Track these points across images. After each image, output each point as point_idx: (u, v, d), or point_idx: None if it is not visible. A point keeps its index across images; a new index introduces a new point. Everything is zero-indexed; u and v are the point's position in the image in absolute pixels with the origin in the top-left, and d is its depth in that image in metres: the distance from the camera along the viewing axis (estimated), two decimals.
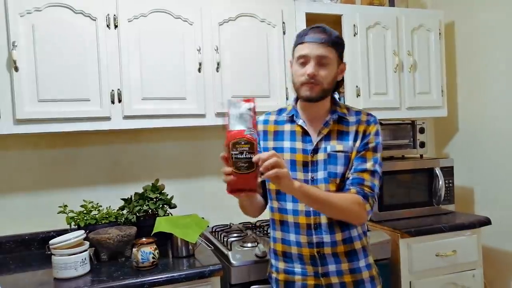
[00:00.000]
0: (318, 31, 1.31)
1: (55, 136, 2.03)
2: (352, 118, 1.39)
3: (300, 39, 1.33)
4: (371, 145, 1.35)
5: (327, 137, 1.37)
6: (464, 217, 2.27)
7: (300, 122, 1.39)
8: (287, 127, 1.42)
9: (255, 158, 1.09)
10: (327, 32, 1.30)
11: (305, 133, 1.39)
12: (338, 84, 1.44)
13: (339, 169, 1.34)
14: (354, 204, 1.28)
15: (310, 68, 1.28)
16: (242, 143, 1.09)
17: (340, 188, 1.34)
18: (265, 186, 1.47)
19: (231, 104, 1.13)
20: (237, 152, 1.09)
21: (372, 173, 1.33)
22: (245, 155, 1.09)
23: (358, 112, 1.42)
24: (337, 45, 1.32)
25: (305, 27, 2.12)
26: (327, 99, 1.38)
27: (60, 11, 1.74)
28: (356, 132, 1.37)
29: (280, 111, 1.48)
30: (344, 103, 2.31)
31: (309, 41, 1.29)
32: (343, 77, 1.42)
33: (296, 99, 1.44)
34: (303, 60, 1.30)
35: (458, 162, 2.58)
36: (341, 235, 1.35)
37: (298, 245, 1.37)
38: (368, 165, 1.33)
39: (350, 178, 1.33)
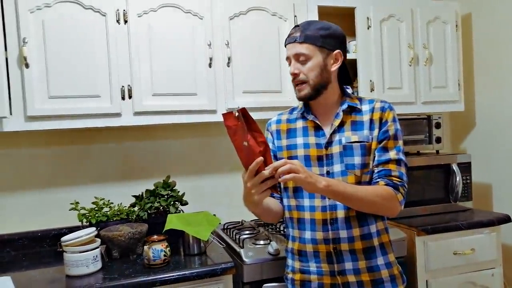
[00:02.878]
0: (293, 31, 1.34)
1: (66, 132, 2.03)
2: (365, 107, 1.37)
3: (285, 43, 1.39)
4: (390, 133, 1.33)
5: (340, 129, 1.35)
6: (483, 214, 2.21)
7: (311, 117, 1.38)
8: (299, 124, 1.42)
9: (269, 169, 1.12)
10: (300, 29, 1.32)
11: (317, 128, 1.38)
12: (344, 75, 1.41)
13: (357, 160, 1.31)
14: (384, 196, 1.27)
15: (291, 68, 1.34)
16: None
17: (361, 180, 1.32)
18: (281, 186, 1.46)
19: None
20: None
21: (398, 161, 1.31)
22: None
23: (371, 101, 1.39)
24: (313, 38, 1.30)
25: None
26: (332, 92, 1.37)
27: (70, 6, 1.73)
28: (371, 121, 1.34)
29: (293, 110, 1.49)
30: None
31: (287, 43, 1.35)
32: (345, 66, 1.38)
33: None
34: (288, 62, 1.36)
35: (476, 157, 2.51)
36: (358, 230, 1.32)
37: (313, 242, 1.34)
38: (392, 154, 1.31)
39: (376, 171, 1.31)
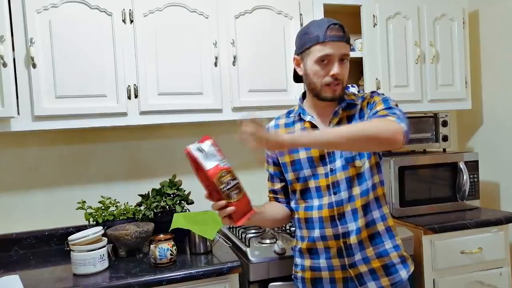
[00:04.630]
0: (338, 29, 1.28)
1: (73, 132, 2.04)
2: (359, 101, 1.39)
3: (319, 38, 1.27)
4: (377, 100, 1.31)
5: (338, 126, 1.34)
6: (490, 213, 2.19)
7: (308, 118, 1.38)
8: (298, 126, 1.42)
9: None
10: (343, 29, 1.30)
11: (315, 128, 1.38)
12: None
13: (354, 152, 1.33)
14: (382, 121, 1.18)
15: (336, 68, 1.27)
16: (224, 175, 1.17)
17: (362, 171, 1.33)
18: (287, 190, 1.46)
19: (193, 149, 1.17)
20: (224, 185, 1.17)
21: (389, 109, 1.25)
22: (231, 183, 1.18)
23: (363, 96, 1.41)
24: (349, 41, 1.34)
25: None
26: None
27: (76, 6, 1.74)
28: (361, 109, 1.36)
29: (289, 113, 1.48)
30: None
31: (332, 40, 1.26)
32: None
33: (302, 98, 1.44)
34: (326, 60, 1.28)
35: (483, 156, 2.49)
36: (364, 220, 1.32)
37: (324, 239, 1.34)
38: (379, 107, 1.27)
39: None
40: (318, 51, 1.28)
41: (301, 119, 1.41)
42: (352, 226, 1.32)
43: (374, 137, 1.14)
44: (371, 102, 1.34)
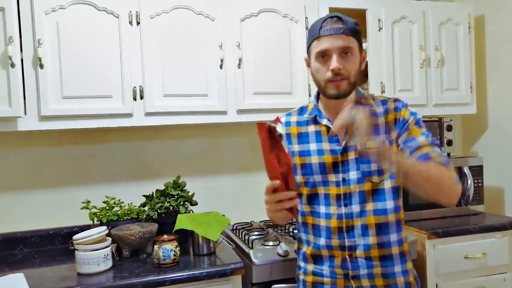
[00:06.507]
0: (334, 21, 1.20)
1: (78, 132, 2.06)
2: (379, 109, 1.29)
3: (315, 34, 1.22)
4: (410, 123, 1.24)
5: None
6: (494, 218, 2.18)
7: (324, 121, 1.30)
8: (312, 128, 1.34)
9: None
10: (343, 20, 1.20)
11: (330, 132, 1.31)
12: (364, 73, 1.36)
13: (373, 166, 1.26)
14: (442, 171, 1.12)
15: (334, 63, 1.19)
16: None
17: (379, 187, 1.27)
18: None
19: (279, 128, 1.03)
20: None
21: (431, 146, 1.21)
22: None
23: (384, 101, 1.31)
24: (357, 32, 1.23)
25: None
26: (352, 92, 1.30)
27: (84, 8, 1.76)
28: (386, 123, 1.27)
29: (301, 111, 1.40)
30: None
31: (327, 34, 1.19)
32: (366, 68, 1.34)
33: (317, 96, 1.36)
34: (324, 56, 1.21)
35: (487, 161, 2.48)
36: (376, 238, 1.27)
37: (329, 248, 1.30)
38: (421, 140, 1.21)
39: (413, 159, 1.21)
40: (315, 47, 1.23)
41: (316, 121, 1.33)
42: (360, 240, 1.27)
43: (444, 188, 1.13)
44: (400, 120, 1.26)
